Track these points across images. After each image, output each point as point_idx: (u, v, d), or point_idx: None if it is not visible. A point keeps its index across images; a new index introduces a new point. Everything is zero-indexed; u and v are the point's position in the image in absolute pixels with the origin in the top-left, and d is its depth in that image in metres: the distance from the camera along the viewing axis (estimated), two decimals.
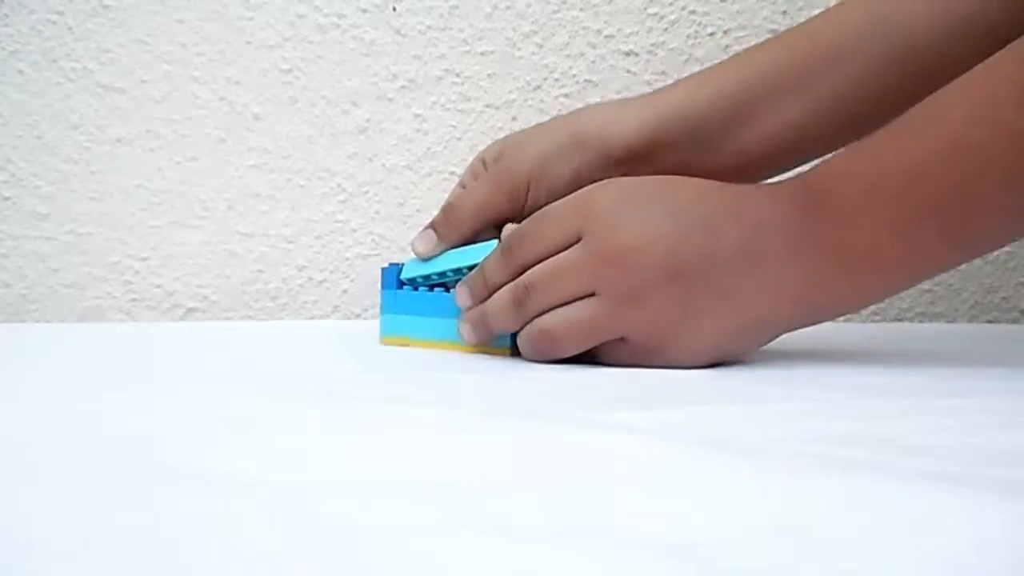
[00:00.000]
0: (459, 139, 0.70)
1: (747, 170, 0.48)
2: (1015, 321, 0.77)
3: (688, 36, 0.70)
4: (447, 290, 0.46)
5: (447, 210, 0.46)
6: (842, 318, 0.75)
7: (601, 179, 0.44)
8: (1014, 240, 0.44)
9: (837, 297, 0.39)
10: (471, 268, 0.44)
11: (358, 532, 0.17)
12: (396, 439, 0.25)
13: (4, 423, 0.28)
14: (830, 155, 0.39)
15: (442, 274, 0.46)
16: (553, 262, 0.39)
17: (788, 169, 0.49)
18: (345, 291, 0.70)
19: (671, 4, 0.70)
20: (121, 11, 0.67)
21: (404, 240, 0.70)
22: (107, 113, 0.68)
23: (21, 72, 0.67)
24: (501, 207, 0.45)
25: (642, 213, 0.38)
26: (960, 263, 0.40)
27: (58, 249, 0.68)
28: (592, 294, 0.38)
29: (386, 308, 0.48)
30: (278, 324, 0.67)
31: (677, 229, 0.38)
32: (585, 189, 0.40)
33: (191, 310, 0.69)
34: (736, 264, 0.37)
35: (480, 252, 0.44)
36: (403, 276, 0.47)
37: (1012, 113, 0.34)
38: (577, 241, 0.39)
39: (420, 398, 0.33)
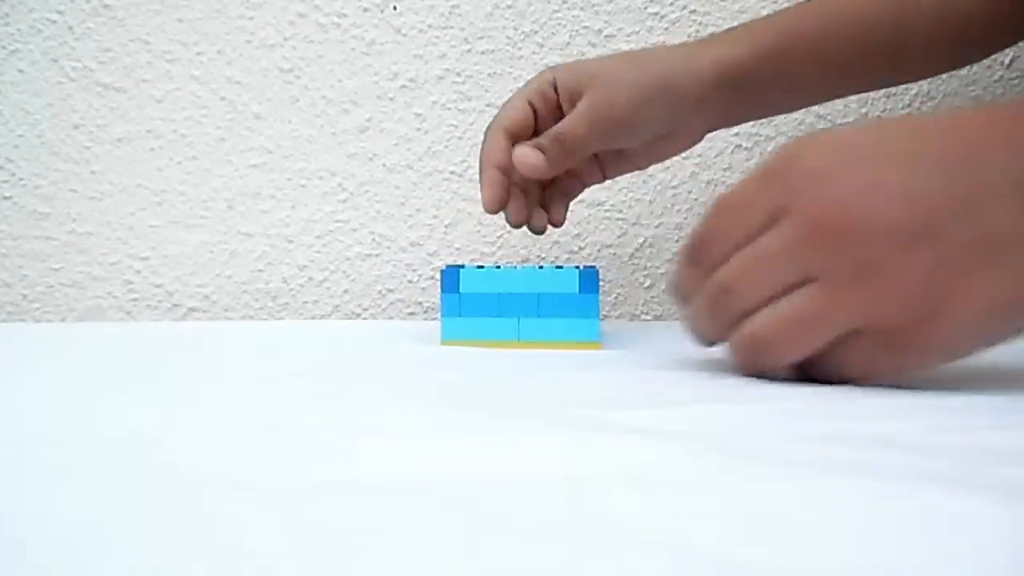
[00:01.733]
0: (460, 138, 0.70)
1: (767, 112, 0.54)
2: None
3: (688, 35, 0.70)
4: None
5: (559, 138, 0.46)
6: None
7: (676, 125, 0.48)
8: None
9: None
10: (523, 293, 0.47)
11: (358, 532, 0.17)
12: (396, 439, 0.25)
13: (4, 423, 0.28)
14: None
15: (499, 295, 0.48)
16: (749, 251, 0.32)
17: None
18: (345, 291, 0.70)
19: (671, 3, 0.70)
20: (121, 10, 0.67)
21: (404, 240, 0.70)
22: (107, 113, 0.68)
23: (22, 71, 0.67)
24: (596, 145, 0.47)
25: (858, 167, 0.30)
26: None
27: (58, 249, 0.68)
28: (807, 280, 0.31)
29: (447, 311, 0.49)
30: (278, 324, 0.67)
31: (910, 177, 0.29)
32: (774, 159, 0.32)
33: (191, 310, 0.69)
34: (1006, 203, 0.28)
35: (529, 277, 0.47)
36: (462, 290, 0.48)
37: None
38: (773, 223, 0.31)
39: (420, 398, 0.33)
